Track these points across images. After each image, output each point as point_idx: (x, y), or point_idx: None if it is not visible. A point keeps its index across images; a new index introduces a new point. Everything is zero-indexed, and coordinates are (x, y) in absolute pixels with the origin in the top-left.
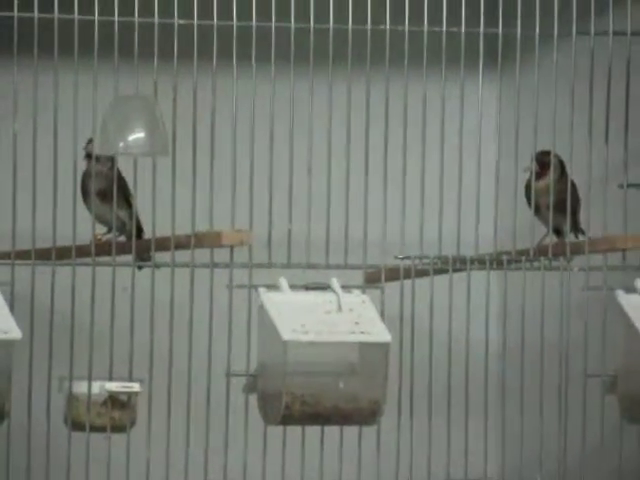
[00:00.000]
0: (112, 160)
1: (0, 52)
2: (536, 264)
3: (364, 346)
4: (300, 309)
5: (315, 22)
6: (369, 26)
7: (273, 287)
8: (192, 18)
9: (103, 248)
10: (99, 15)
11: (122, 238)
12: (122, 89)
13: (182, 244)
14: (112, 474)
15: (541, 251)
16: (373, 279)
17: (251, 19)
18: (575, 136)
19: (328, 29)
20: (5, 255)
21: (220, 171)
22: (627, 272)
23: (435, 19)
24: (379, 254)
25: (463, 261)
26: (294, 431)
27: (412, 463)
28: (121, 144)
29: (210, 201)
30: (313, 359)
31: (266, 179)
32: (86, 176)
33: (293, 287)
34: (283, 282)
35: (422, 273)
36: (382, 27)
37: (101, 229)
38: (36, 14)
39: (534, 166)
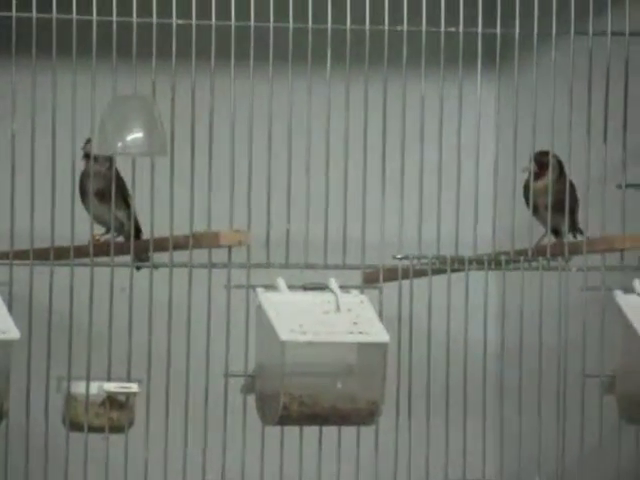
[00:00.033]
0: (110, 160)
1: None
2: (534, 264)
3: (362, 346)
4: (298, 309)
5: (313, 22)
6: (367, 26)
7: (271, 287)
8: (190, 18)
9: (101, 248)
10: (97, 15)
11: (120, 238)
12: (120, 89)
13: (180, 244)
14: (110, 474)
15: (539, 251)
16: (371, 279)
17: (249, 19)
18: (573, 136)
19: (326, 29)
20: (3, 255)
21: (218, 171)
22: (625, 272)
23: (433, 19)
24: (377, 254)
25: (461, 261)
26: (292, 431)
27: (410, 463)
28: (119, 144)
29: (208, 201)
30: (311, 359)
31: (264, 179)
32: (84, 176)
33: (291, 287)
34: (281, 282)
35: (420, 273)
36: (380, 27)
37: (99, 229)
38: (34, 14)
39: (532, 166)
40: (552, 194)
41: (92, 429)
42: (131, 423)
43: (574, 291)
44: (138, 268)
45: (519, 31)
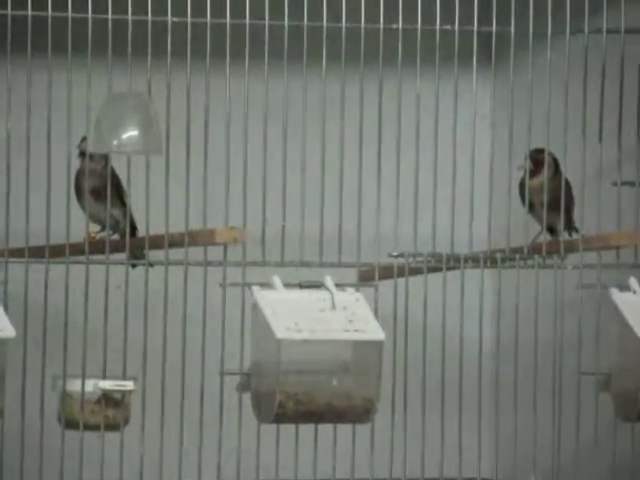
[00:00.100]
0: (106, 158)
1: None
2: (530, 262)
3: (358, 344)
4: (294, 307)
5: (308, 20)
6: (363, 24)
7: (267, 285)
8: (185, 16)
9: (97, 246)
10: (92, 13)
11: (116, 236)
12: (116, 87)
13: (176, 242)
14: (106, 472)
15: (535, 249)
16: (367, 277)
17: (244, 17)
18: (569, 134)
19: (322, 27)
20: None
21: (214, 169)
22: (621, 270)
23: (429, 17)
24: (373, 252)
25: (457, 259)
26: (288, 429)
27: (406, 461)
28: (115, 142)
29: (204, 199)
30: (307, 357)
31: (260, 177)
32: (80, 174)
33: (287, 285)
34: (277, 280)
35: (416, 271)
36: (376, 25)
37: (95, 227)
38: (30, 12)
39: (528, 164)
40: (547, 192)
41: (87, 427)
42: (126, 421)
43: (570, 289)
44: (133, 266)
45: (514, 29)
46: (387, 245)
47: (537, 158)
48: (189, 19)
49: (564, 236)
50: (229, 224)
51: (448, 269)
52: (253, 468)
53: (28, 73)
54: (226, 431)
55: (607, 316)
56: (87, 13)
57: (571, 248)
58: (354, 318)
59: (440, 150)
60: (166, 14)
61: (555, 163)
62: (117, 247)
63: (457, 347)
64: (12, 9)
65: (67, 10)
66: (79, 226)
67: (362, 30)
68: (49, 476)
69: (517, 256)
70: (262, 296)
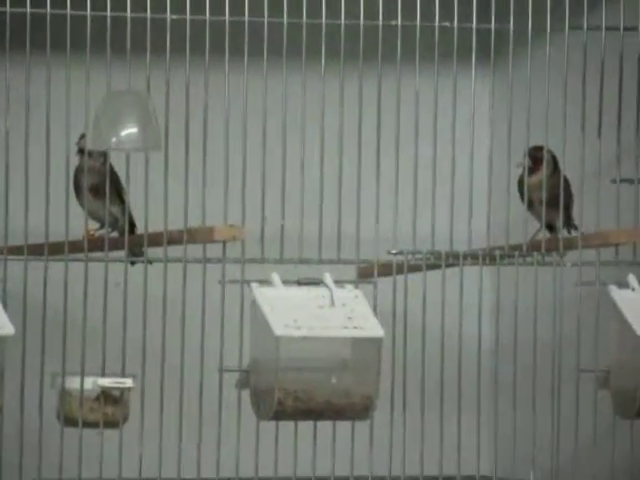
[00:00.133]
0: (105, 155)
1: None
2: (529, 259)
3: (357, 341)
4: (293, 304)
5: (307, 17)
6: (362, 21)
7: (266, 282)
8: (184, 13)
9: (96, 244)
10: (91, 10)
11: (115, 234)
12: (114, 84)
13: (175, 239)
14: (105, 469)
15: (534, 246)
16: (366, 274)
17: (243, 14)
18: (568, 131)
19: (320, 24)
20: None
21: (213, 166)
22: (620, 267)
23: (428, 14)
24: (372, 249)
25: (456, 256)
26: (287, 426)
27: (405, 458)
28: (113, 139)
29: (203, 196)
30: (306, 354)
31: (259, 174)
32: (79, 171)
33: (286, 282)
34: (275, 277)
35: (415, 268)
36: (375, 22)
37: (94, 225)
38: (28, 9)
39: (527, 161)
40: (546, 189)
41: (86, 424)
42: (125, 418)
43: (569, 286)
44: (132, 263)
45: (513, 26)
46: (386, 242)
47: (536, 155)
48: (188, 16)
49: (563, 233)
50: (228, 221)
51: (447, 266)
52: (252, 465)
53: (27, 70)
54: (225, 428)
55: (606, 313)
56: (86, 10)
57: (570, 245)
58: (353, 315)
59: (439, 147)
60: (165, 11)
61: (554, 160)
62: (116, 244)
63: (456, 344)
64: (11, 6)
65: (66, 7)
66: (78, 223)
67: (361, 27)
68: (48, 473)
69: (516, 253)
70: (261, 293)
